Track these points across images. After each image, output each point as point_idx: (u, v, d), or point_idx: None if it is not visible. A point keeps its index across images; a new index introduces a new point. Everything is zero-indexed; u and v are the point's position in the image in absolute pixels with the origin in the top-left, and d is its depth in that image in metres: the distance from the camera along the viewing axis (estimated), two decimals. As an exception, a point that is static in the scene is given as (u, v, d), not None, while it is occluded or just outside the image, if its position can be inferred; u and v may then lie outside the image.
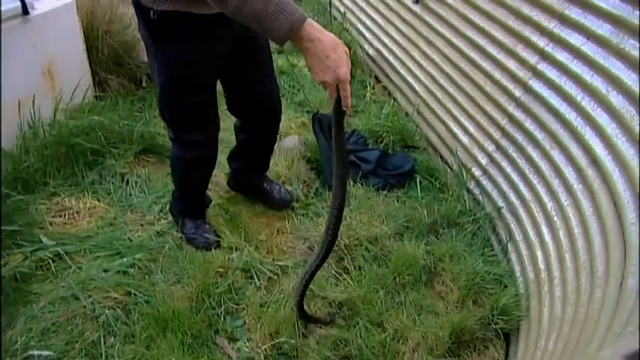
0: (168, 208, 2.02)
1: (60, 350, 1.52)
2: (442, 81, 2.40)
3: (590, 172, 1.52)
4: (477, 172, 2.17)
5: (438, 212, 2.09)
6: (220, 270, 1.80)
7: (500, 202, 2.02)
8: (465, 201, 2.15)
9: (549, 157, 1.73)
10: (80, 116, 2.25)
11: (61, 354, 1.51)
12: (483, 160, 2.13)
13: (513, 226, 1.93)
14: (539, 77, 1.79)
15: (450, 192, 2.21)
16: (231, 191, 2.20)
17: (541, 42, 1.78)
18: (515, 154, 1.93)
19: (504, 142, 1.99)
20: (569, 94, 1.65)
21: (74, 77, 2.32)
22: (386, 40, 2.94)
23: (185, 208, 1.95)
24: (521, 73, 1.87)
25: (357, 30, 3.27)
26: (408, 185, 2.31)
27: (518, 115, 1.90)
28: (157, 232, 1.95)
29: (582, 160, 1.56)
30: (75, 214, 1.98)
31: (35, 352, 1.49)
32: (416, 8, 2.59)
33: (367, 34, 3.17)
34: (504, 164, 2.00)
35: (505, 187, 1.99)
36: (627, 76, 1.44)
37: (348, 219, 2.05)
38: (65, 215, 1.97)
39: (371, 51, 3.12)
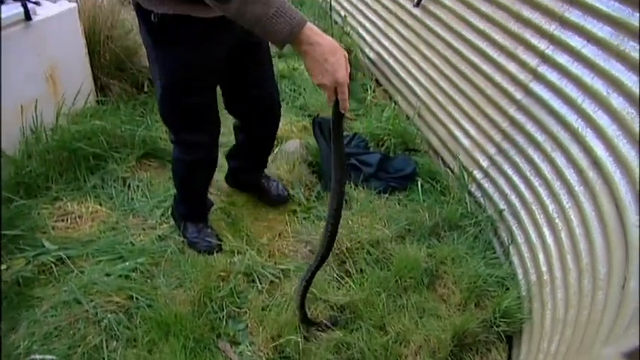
0: (170, 212, 2.02)
1: (62, 354, 1.52)
2: (443, 84, 2.40)
3: (592, 173, 1.52)
4: (478, 175, 2.17)
5: (439, 215, 2.09)
6: (222, 274, 1.80)
7: (502, 205, 2.02)
8: (466, 204, 2.15)
9: (550, 159, 1.73)
10: (82, 121, 2.26)
11: (63, 358, 1.51)
12: (485, 163, 2.13)
13: (515, 228, 1.92)
14: (540, 80, 1.80)
15: (452, 195, 2.21)
16: (232, 195, 2.21)
17: (541, 45, 1.78)
18: (516, 157, 1.93)
19: (505, 145, 2.00)
20: (569, 97, 1.66)
21: (76, 82, 2.33)
22: (386, 43, 2.95)
23: (187, 211, 1.95)
24: (522, 76, 1.88)
25: (358, 33, 3.28)
26: (409, 188, 2.31)
27: (519, 117, 1.90)
28: (159, 236, 1.95)
29: (583, 162, 1.56)
30: (77, 219, 1.98)
31: (38, 357, 1.50)
32: (416, 11, 2.60)
33: (368, 38, 3.18)
34: (506, 167, 2.00)
35: (506, 189, 1.99)
36: (628, 78, 1.44)
37: (350, 222, 2.05)
38: (67, 220, 1.98)
39: (372, 54, 3.12)
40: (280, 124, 2.62)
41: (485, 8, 2.06)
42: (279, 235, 2.05)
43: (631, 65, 1.44)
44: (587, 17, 1.61)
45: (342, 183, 1.32)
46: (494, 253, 1.99)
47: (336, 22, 3.49)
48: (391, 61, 2.90)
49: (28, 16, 2.02)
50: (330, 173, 1.34)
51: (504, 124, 1.99)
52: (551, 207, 1.71)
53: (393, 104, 2.84)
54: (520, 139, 1.90)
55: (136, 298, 1.68)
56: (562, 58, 1.70)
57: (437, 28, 2.42)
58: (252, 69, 1.72)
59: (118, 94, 2.56)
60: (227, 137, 2.07)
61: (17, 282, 1.69)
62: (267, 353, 1.60)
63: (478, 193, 2.17)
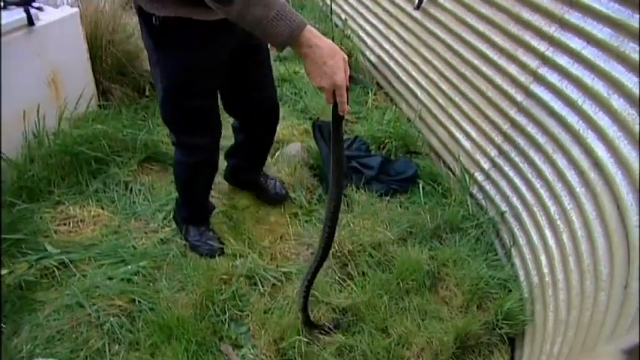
0: (172, 216, 2.03)
1: (65, 358, 1.52)
2: (443, 86, 2.41)
3: (593, 175, 1.52)
4: (479, 177, 2.17)
5: (441, 217, 2.09)
6: (224, 277, 1.80)
7: (504, 207, 2.02)
8: (468, 206, 2.15)
9: (552, 161, 1.73)
10: (84, 125, 2.27)
11: (66, 362, 1.52)
12: (486, 165, 2.13)
13: (517, 230, 1.92)
14: (541, 81, 1.80)
15: (453, 197, 2.21)
16: (234, 198, 2.21)
17: (541, 46, 1.79)
18: (517, 159, 1.93)
19: (506, 147, 2.00)
20: (570, 98, 1.66)
21: (78, 86, 2.34)
22: (387, 46, 2.96)
23: (189, 214, 1.96)
24: (523, 78, 1.88)
25: (359, 37, 3.29)
26: (410, 191, 2.31)
27: (520, 119, 1.91)
28: (161, 240, 1.95)
29: (584, 164, 1.56)
30: (79, 223, 1.99)
31: (40, 360, 1.50)
32: (416, 14, 2.60)
33: (368, 41, 3.18)
34: (507, 168, 2.00)
35: (508, 191, 1.99)
36: (628, 79, 1.44)
37: (352, 225, 2.05)
38: (70, 223, 1.98)
39: (372, 57, 3.13)
40: (281, 128, 2.66)
41: (485, 10, 2.07)
42: (281, 237, 2.05)
43: (631, 66, 1.45)
44: (587, 19, 1.61)
45: (340, 184, 1.33)
46: (496, 255, 1.99)
47: (336, 26, 3.50)
48: (392, 63, 2.91)
49: (30, 22, 2.04)
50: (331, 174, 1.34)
51: (505, 126, 1.99)
52: (552, 208, 1.71)
53: (394, 107, 2.84)
54: (521, 141, 1.91)
55: (139, 302, 1.68)
56: (562, 60, 1.70)
57: (437, 31, 2.43)
58: (254, 71, 1.74)
59: (119, 99, 2.57)
60: (228, 140, 2.07)
61: (20, 286, 1.69)
62: (270, 356, 1.60)
63: (479, 195, 2.17)
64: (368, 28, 3.19)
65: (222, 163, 2.15)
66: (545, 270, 1.69)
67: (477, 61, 2.14)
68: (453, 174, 2.34)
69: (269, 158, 2.45)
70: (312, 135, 2.53)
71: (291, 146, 2.48)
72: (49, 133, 2.15)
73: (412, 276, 1.83)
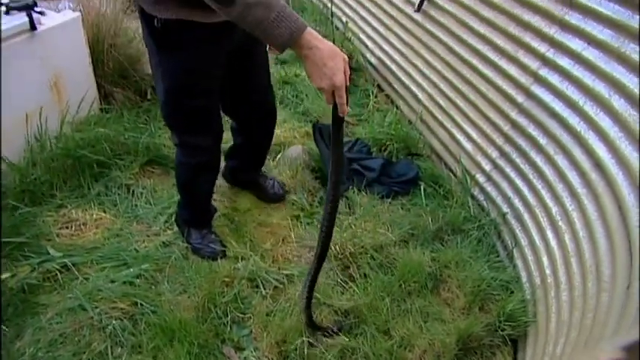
0: (173, 219, 2.03)
1: (67, 361, 1.53)
2: (444, 88, 2.41)
3: (594, 175, 1.52)
4: (480, 179, 2.17)
5: (442, 219, 2.09)
6: (226, 279, 1.80)
7: (505, 208, 2.02)
8: (469, 207, 2.15)
9: (553, 162, 1.73)
10: (86, 129, 2.27)
11: (68, 365, 1.52)
12: (487, 167, 2.13)
13: (518, 231, 1.92)
14: (541, 83, 1.80)
15: (455, 199, 2.21)
16: (236, 201, 2.21)
17: (542, 48, 1.79)
18: (518, 160, 1.93)
19: (508, 148, 2.00)
20: (571, 99, 1.66)
21: (80, 90, 2.35)
22: (388, 48, 2.96)
23: (190, 217, 1.96)
24: (523, 79, 1.88)
25: (359, 39, 3.30)
26: (412, 193, 2.31)
27: (521, 120, 1.91)
28: (163, 243, 1.96)
29: (586, 164, 1.56)
30: (81, 226, 1.99)
31: (43, 363, 1.50)
32: (417, 16, 2.61)
33: (369, 43, 3.19)
34: (508, 170, 2.00)
35: (509, 192, 1.99)
36: (629, 80, 1.45)
37: (353, 227, 2.05)
38: (72, 227, 1.98)
39: (373, 60, 3.14)
40: (282, 130, 2.67)
41: (486, 12, 2.07)
42: (283, 240, 2.05)
43: (632, 67, 1.45)
44: (587, 20, 1.61)
45: (339, 185, 1.34)
46: (498, 256, 1.99)
47: (337, 28, 3.51)
48: (393, 66, 2.91)
49: (32, 26, 2.04)
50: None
51: (506, 128, 2.00)
52: (554, 209, 1.71)
53: (395, 109, 2.84)
54: (522, 143, 1.91)
55: (141, 305, 1.68)
56: (563, 61, 1.70)
57: (438, 33, 2.43)
58: (253, 74, 1.76)
59: (121, 102, 2.57)
60: (226, 142, 2.08)
61: (22, 289, 1.69)
62: (272, 359, 1.60)
63: (481, 197, 2.17)
64: (369, 30, 3.20)
65: (221, 164, 2.15)
66: (548, 271, 1.69)
67: (477, 63, 2.14)
68: (455, 175, 2.34)
69: (270, 161, 2.46)
70: (312, 137, 2.53)
71: (293, 149, 2.48)
72: (52, 136, 2.16)
73: (414, 278, 1.83)
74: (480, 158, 2.18)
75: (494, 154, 2.08)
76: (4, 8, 2.02)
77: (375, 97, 2.96)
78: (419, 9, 2.57)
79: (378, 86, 3.08)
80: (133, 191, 2.16)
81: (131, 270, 1.80)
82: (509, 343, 1.71)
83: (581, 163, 1.59)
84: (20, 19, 2.02)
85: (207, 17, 1.36)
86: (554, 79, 1.74)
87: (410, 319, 1.72)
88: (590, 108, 1.58)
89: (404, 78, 2.80)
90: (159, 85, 1.59)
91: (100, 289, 1.71)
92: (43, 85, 2.19)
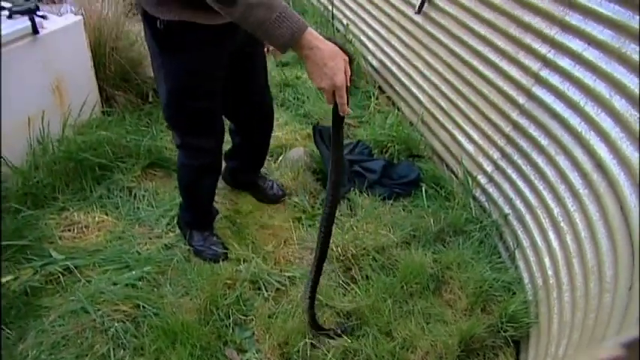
0: (175, 221, 2.04)
1: (70, 364, 1.53)
2: (445, 90, 2.41)
3: (596, 176, 1.52)
4: (482, 180, 2.17)
5: (444, 220, 2.09)
6: (228, 282, 1.81)
7: (507, 209, 2.01)
8: (471, 209, 2.15)
9: (554, 163, 1.73)
10: (88, 132, 2.28)
11: (71, 367, 1.52)
12: (489, 168, 2.13)
13: (520, 232, 1.92)
14: (542, 84, 1.80)
15: (456, 200, 2.21)
16: (237, 203, 2.22)
17: (543, 49, 1.79)
18: (520, 161, 1.93)
19: (509, 149, 2.00)
20: (572, 100, 1.66)
21: (82, 93, 2.36)
22: (389, 50, 2.97)
23: (193, 219, 1.97)
24: (524, 80, 1.88)
25: (360, 41, 3.30)
26: (413, 194, 2.31)
27: (523, 121, 1.91)
28: (165, 245, 1.96)
29: (587, 165, 1.56)
30: (84, 229, 2.00)
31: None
32: (418, 18, 2.61)
33: (370, 46, 3.20)
34: (510, 171, 2.00)
35: (511, 193, 1.99)
36: (630, 80, 1.45)
37: (355, 229, 2.05)
38: (74, 229, 1.99)
39: (374, 62, 3.14)
40: (284, 133, 2.68)
41: (486, 14, 2.07)
42: (285, 242, 2.05)
43: (633, 68, 1.45)
44: (587, 21, 1.61)
45: (338, 185, 1.35)
46: (500, 257, 1.99)
47: (338, 30, 3.52)
48: (394, 68, 2.92)
49: (35, 30, 2.05)
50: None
51: (507, 129, 2.00)
52: (556, 210, 1.71)
53: (396, 111, 2.85)
54: (524, 144, 1.91)
55: (143, 307, 1.69)
56: (564, 62, 1.71)
57: (439, 35, 2.43)
58: (254, 75, 1.78)
59: (123, 105, 2.58)
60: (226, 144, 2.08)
61: (25, 292, 1.70)
62: (274, 360, 1.60)
63: (483, 198, 2.17)
64: (369, 32, 3.20)
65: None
66: (550, 272, 1.69)
67: (478, 64, 2.14)
68: (456, 177, 2.34)
69: (272, 163, 2.46)
70: (313, 139, 2.54)
71: (294, 151, 2.49)
72: (54, 139, 2.17)
73: (416, 279, 1.83)
74: (481, 159, 2.18)
75: (496, 155, 2.08)
76: (6, 12, 2.03)
77: (376, 98, 2.96)
78: (419, 11, 2.58)
79: (379, 88, 3.09)
80: (135, 194, 2.17)
81: (133, 272, 1.80)
82: (511, 344, 1.71)
83: (582, 163, 1.59)
84: (23, 23, 2.03)
85: (209, 19, 1.37)
86: (555, 79, 1.74)
87: (412, 320, 1.72)
88: (591, 108, 1.58)
89: (405, 80, 2.80)
90: (161, 87, 1.59)
91: (102, 291, 1.71)
92: (45, 89, 2.20)
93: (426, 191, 2.29)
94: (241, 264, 1.89)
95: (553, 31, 1.75)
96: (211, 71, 1.55)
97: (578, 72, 1.64)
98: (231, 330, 1.68)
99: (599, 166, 1.51)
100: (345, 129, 2.73)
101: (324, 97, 1.20)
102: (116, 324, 1.63)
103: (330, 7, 3.59)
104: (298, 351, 1.60)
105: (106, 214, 2.07)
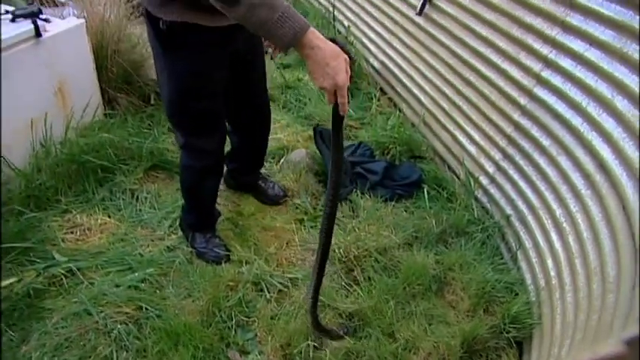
0: (178, 223, 2.04)
1: (73, 365, 1.53)
2: (447, 91, 2.41)
3: (598, 177, 1.51)
4: (484, 181, 2.17)
5: (446, 221, 2.09)
6: (231, 283, 1.81)
7: (509, 210, 2.01)
8: (473, 210, 2.15)
9: (556, 164, 1.73)
10: (90, 134, 2.29)
11: (74, 369, 1.52)
12: (490, 169, 2.13)
13: (522, 233, 1.92)
14: (544, 84, 1.81)
15: (458, 201, 2.21)
16: (239, 205, 2.22)
17: (544, 49, 1.79)
18: (522, 162, 1.93)
19: (511, 150, 2.00)
20: (574, 100, 1.66)
21: (84, 96, 2.37)
22: (390, 52, 2.97)
23: (195, 221, 1.97)
24: (526, 81, 1.88)
25: (362, 43, 3.31)
26: (415, 195, 2.31)
27: (524, 122, 1.91)
28: (168, 247, 1.96)
29: (590, 166, 1.56)
30: (86, 231, 2.00)
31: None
32: (419, 20, 2.62)
33: (372, 47, 3.20)
34: (511, 172, 2.00)
35: (513, 194, 1.99)
36: (632, 80, 1.44)
37: (357, 230, 2.05)
38: (77, 232, 2.00)
39: (376, 63, 3.15)
40: (285, 134, 2.68)
41: (488, 15, 2.07)
42: (287, 244, 2.05)
43: (634, 68, 1.44)
44: (588, 21, 1.62)
45: (339, 185, 1.35)
46: (502, 258, 1.99)
47: (339, 32, 3.52)
48: (395, 69, 2.92)
49: (38, 33, 2.06)
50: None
51: (509, 130, 2.00)
52: (558, 211, 1.71)
53: (398, 112, 2.85)
54: (525, 144, 1.91)
55: (146, 309, 1.69)
56: (565, 62, 1.71)
57: (440, 36, 2.44)
58: (254, 77, 1.79)
59: (125, 107, 2.59)
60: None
61: (28, 294, 1.70)
62: (277, 362, 1.60)
63: (484, 199, 2.17)
64: (371, 34, 3.21)
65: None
66: (552, 273, 1.68)
67: (480, 65, 2.15)
68: (458, 178, 2.34)
69: (274, 165, 2.47)
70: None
71: (296, 152, 2.49)
72: (56, 142, 2.17)
73: (418, 280, 1.83)
74: (483, 160, 2.18)
75: (498, 156, 2.08)
76: (10, 16, 2.04)
77: (378, 100, 2.97)
78: (421, 12, 2.58)
79: (381, 89, 3.09)
80: (138, 196, 2.17)
81: (136, 274, 1.81)
82: (514, 345, 1.70)
83: (584, 164, 1.59)
84: (26, 26, 2.04)
85: (212, 21, 1.37)
86: (556, 80, 1.74)
87: (414, 321, 1.72)
88: (593, 109, 1.58)
89: (406, 81, 2.80)
90: (164, 88, 1.60)
91: (105, 293, 1.71)
92: (48, 91, 2.21)
93: (427, 192, 2.29)
94: (244, 266, 1.89)
95: (554, 32, 1.75)
96: (214, 72, 1.56)
97: (580, 72, 1.64)
98: (233, 331, 1.68)
99: (602, 166, 1.51)
100: (346, 130, 2.74)
101: (325, 97, 1.20)
102: (119, 326, 1.63)
103: (331, 9, 3.60)
104: (301, 352, 1.60)
105: (109, 217, 2.07)
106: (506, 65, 1.99)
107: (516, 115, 1.95)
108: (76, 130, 2.30)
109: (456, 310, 1.80)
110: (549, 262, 1.72)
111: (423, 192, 2.29)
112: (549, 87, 1.78)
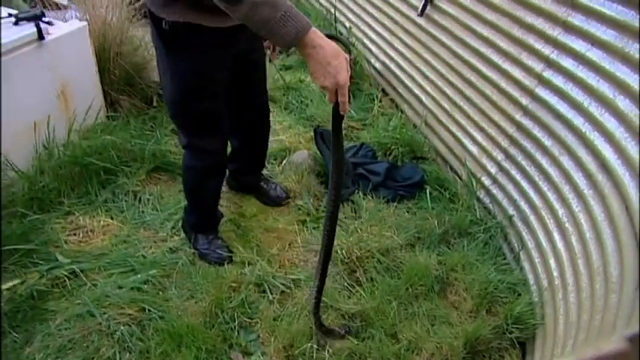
0: (180, 225, 2.04)
1: (76, 367, 1.53)
2: (449, 92, 2.41)
3: (600, 176, 1.51)
4: (486, 181, 2.17)
5: (448, 222, 2.09)
6: (233, 285, 1.81)
7: (511, 211, 2.01)
8: (475, 210, 2.15)
9: (559, 164, 1.73)
10: (93, 136, 2.29)
11: (77, 371, 1.53)
12: (492, 169, 2.13)
13: (525, 233, 1.92)
14: (546, 84, 1.80)
15: (461, 202, 2.21)
16: (242, 206, 2.23)
17: (546, 49, 1.79)
18: (524, 162, 1.93)
19: (513, 151, 2.00)
20: (576, 100, 1.66)
21: (87, 98, 2.37)
22: (392, 53, 2.97)
23: (197, 222, 1.97)
24: (527, 81, 1.88)
25: (363, 44, 3.31)
26: (418, 196, 2.31)
27: (526, 122, 1.91)
28: (170, 249, 1.97)
29: (592, 166, 1.56)
30: (89, 232, 2.01)
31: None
32: (420, 21, 2.62)
33: (373, 48, 3.20)
34: (514, 172, 2.00)
35: (515, 195, 1.99)
36: (633, 80, 1.44)
37: (359, 231, 2.06)
38: (80, 233, 2.00)
39: (377, 64, 3.15)
40: (287, 136, 2.69)
41: (489, 15, 2.07)
42: (289, 245, 2.06)
43: (636, 67, 1.44)
44: (590, 21, 1.61)
45: (339, 185, 1.35)
46: (505, 259, 1.98)
47: (341, 34, 3.53)
48: (397, 70, 2.92)
49: (40, 36, 2.07)
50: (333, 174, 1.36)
51: (511, 130, 2.00)
52: (560, 211, 1.71)
53: (400, 113, 2.85)
54: (527, 145, 1.91)
55: (149, 310, 1.69)
56: (567, 62, 1.70)
57: (441, 37, 2.44)
58: (255, 78, 1.79)
59: (127, 109, 2.60)
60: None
61: (31, 295, 1.71)
62: (279, 363, 1.60)
63: (487, 200, 2.17)
64: (372, 35, 3.21)
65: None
66: (555, 273, 1.68)
67: (481, 66, 2.15)
68: (460, 179, 2.34)
69: (276, 166, 2.47)
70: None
71: (298, 154, 2.49)
72: (59, 144, 2.18)
73: (421, 281, 1.83)
74: (485, 161, 2.18)
75: (500, 156, 2.08)
76: (13, 19, 2.05)
77: (380, 101, 2.97)
78: (422, 13, 2.58)
79: (383, 90, 3.09)
80: (140, 198, 2.18)
81: (139, 276, 1.81)
82: (517, 345, 1.70)
83: (587, 164, 1.58)
84: (29, 29, 2.05)
85: (214, 21, 1.38)
86: (558, 80, 1.74)
87: (417, 322, 1.72)
88: (595, 109, 1.58)
89: (408, 82, 2.80)
90: (167, 88, 1.61)
91: (108, 295, 1.72)
92: (51, 94, 2.22)
93: (430, 193, 2.29)
94: (246, 267, 1.90)
95: (556, 32, 1.75)
96: (216, 73, 1.57)
97: (582, 72, 1.64)
98: (236, 333, 1.68)
99: (604, 166, 1.50)
100: (348, 131, 2.74)
101: (327, 95, 1.21)
102: (122, 327, 1.64)
103: (332, 11, 3.60)
104: (303, 353, 1.60)
105: (111, 218, 2.08)
106: (507, 65, 1.99)
107: (518, 116, 1.95)
108: (78, 132, 2.31)
109: (458, 311, 1.80)
110: (552, 263, 1.71)
111: (426, 193, 2.29)
112: (551, 87, 1.78)
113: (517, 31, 1.93)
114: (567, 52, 1.71)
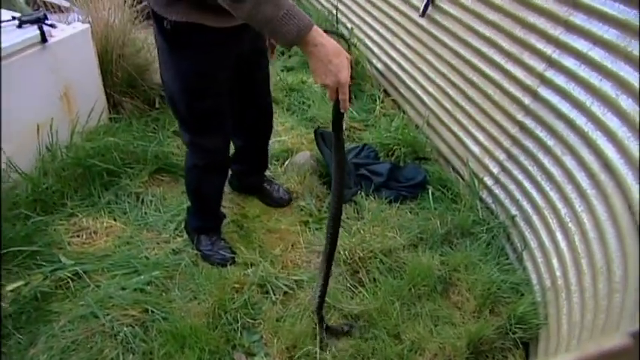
0: (183, 226, 2.05)
1: (80, 368, 1.54)
2: (451, 92, 2.41)
3: (603, 176, 1.51)
4: (489, 182, 2.17)
5: (451, 222, 2.09)
6: (236, 286, 1.81)
7: (514, 211, 2.01)
8: (478, 210, 2.15)
9: (561, 164, 1.73)
10: (96, 138, 2.30)
11: (81, 372, 1.53)
12: (495, 169, 2.13)
13: (528, 233, 1.92)
14: (548, 84, 1.80)
15: (463, 202, 2.20)
16: (244, 207, 2.23)
17: (548, 49, 1.79)
18: (526, 162, 1.93)
19: (515, 150, 2.00)
20: (578, 100, 1.66)
21: (90, 100, 2.38)
22: (393, 53, 2.97)
23: (200, 223, 1.98)
24: (530, 81, 1.88)
25: (365, 45, 3.31)
26: (420, 196, 2.31)
27: (528, 122, 1.90)
28: (173, 250, 1.97)
29: (594, 165, 1.56)
30: (92, 234, 2.01)
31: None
32: (422, 21, 2.62)
33: (375, 49, 3.20)
34: (516, 172, 2.00)
35: (518, 195, 1.99)
36: (635, 79, 1.44)
37: (362, 232, 2.06)
38: (83, 235, 2.01)
39: (379, 65, 3.15)
40: (290, 137, 2.69)
41: (491, 15, 2.07)
42: (292, 246, 2.06)
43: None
44: (592, 20, 1.61)
45: (342, 185, 1.35)
46: (508, 259, 1.98)
47: (342, 35, 3.53)
48: (399, 71, 2.92)
49: (44, 39, 2.08)
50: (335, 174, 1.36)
51: (513, 130, 1.99)
52: (563, 211, 1.71)
53: (402, 114, 2.85)
54: (530, 144, 1.90)
55: (152, 311, 1.69)
56: (569, 62, 1.70)
57: (443, 37, 2.44)
58: (259, 78, 1.79)
59: (130, 111, 2.60)
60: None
61: (35, 297, 1.71)
62: (283, 364, 1.60)
63: (489, 200, 2.16)
64: (374, 36, 3.21)
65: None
66: (558, 273, 1.68)
67: (483, 66, 2.15)
68: (462, 179, 2.34)
69: (278, 167, 2.47)
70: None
71: (300, 155, 2.49)
72: (62, 146, 2.19)
73: (423, 282, 1.83)
74: (487, 161, 2.17)
75: (502, 156, 2.08)
76: (16, 22, 2.06)
77: (382, 102, 2.97)
78: (424, 14, 2.58)
79: (385, 91, 3.09)
80: (143, 199, 2.18)
81: (142, 277, 1.81)
82: (520, 346, 1.70)
83: (589, 163, 1.58)
84: (32, 32, 2.06)
85: (217, 21, 1.38)
86: (560, 80, 1.74)
87: (420, 322, 1.72)
88: (597, 108, 1.58)
89: (410, 82, 2.80)
90: (170, 87, 1.61)
91: (111, 296, 1.72)
92: (54, 96, 2.23)
93: (432, 193, 2.29)
94: (249, 268, 1.90)
95: (558, 32, 1.75)
96: (218, 73, 1.57)
97: (584, 72, 1.64)
98: (239, 334, 1.68)
99: (607, 165, 1.50)
100: (350, 132, 2.74)
101: (328, 93, 1.21)
102: (125, 328, 1.64)
103: (334, 12, 3.61)
104: (307, 354, 1.60)
105: (114, 220, 2.08)
106: (509, 65, 1.99)
107: (520, 115, 1.94)
108: (81, 134, 2.31)
109: (461, 311, 1.80)
110: (555, 262, 1.71)
111: (428, 193, 2.29)
112: (553, 87, 1.78)
113: (519, 31, 1.93)
114: (569, 52, 1.71)
